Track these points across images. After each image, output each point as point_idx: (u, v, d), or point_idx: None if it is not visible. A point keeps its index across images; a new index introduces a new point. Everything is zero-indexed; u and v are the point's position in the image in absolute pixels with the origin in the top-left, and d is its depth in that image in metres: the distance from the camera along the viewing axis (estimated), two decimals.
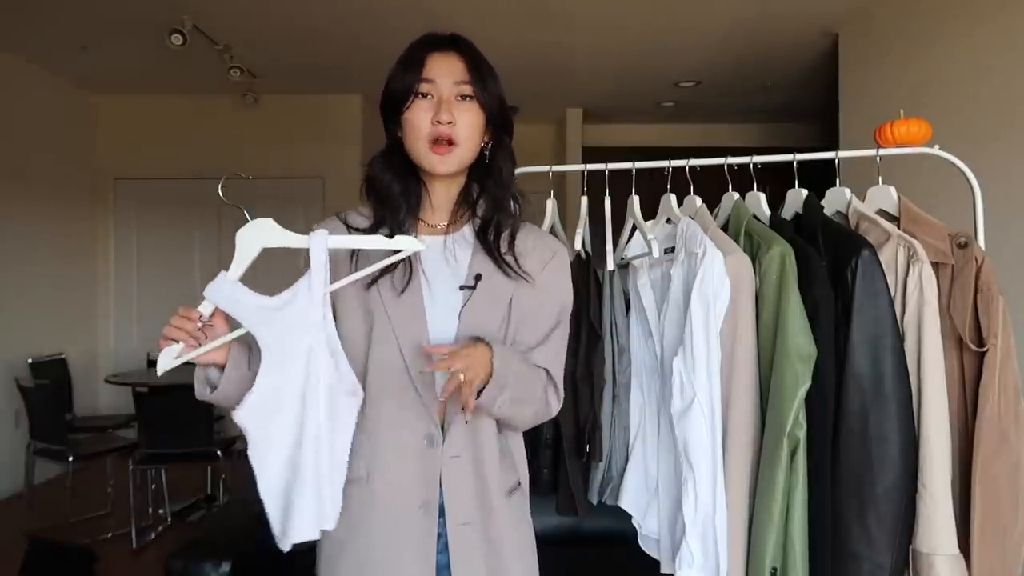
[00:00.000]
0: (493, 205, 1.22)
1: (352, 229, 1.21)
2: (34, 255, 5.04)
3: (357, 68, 5.21)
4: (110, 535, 3.83)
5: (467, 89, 1.16)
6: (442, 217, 1.24)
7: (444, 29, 1.22)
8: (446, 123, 1.14)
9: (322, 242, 1.10)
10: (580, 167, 1.87)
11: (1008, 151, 3.09)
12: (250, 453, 1.11)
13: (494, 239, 1.20)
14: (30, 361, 4.72)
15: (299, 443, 1.08)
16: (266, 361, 1.09)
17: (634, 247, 1.74)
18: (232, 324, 1.13)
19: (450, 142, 1.15)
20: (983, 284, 1.38)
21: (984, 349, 1.36)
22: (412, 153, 1.18)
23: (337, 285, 1.11)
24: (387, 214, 1.20)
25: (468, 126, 1.16)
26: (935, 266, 1.39)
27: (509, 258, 1.20)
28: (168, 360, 1.13)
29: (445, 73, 1.16)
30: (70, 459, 3.88)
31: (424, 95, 1.16)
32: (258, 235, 1.15)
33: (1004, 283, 1.40)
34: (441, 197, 1.24)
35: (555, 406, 1.24)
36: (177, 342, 1.12)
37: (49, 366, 4.82)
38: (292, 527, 1.07)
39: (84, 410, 5.13)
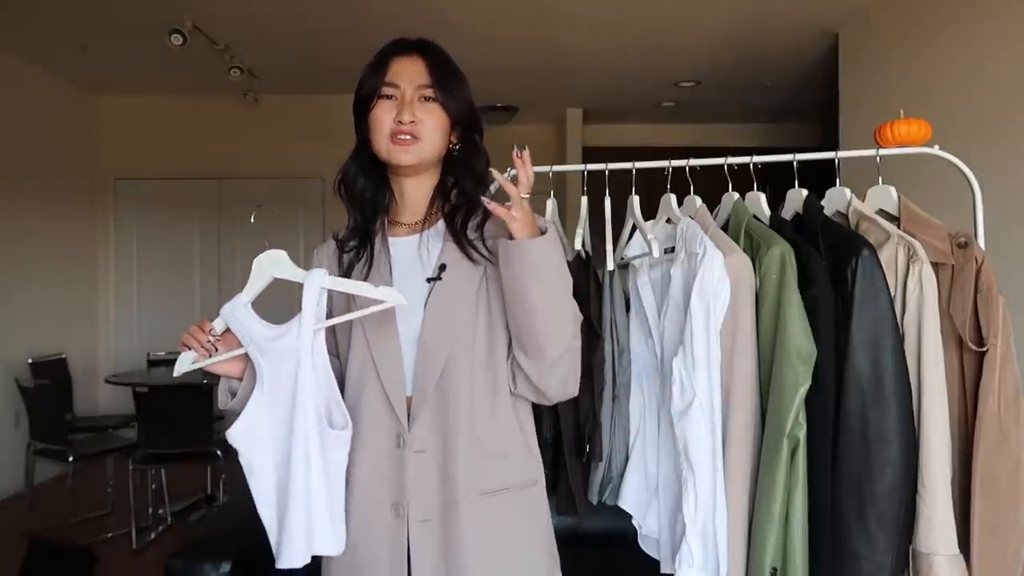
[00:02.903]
0: (462, 195, 1.26)
1: (337, 242, 1.28)
2: (34, 255, 5.04)
3: (357, 68, 5.15)
4: (110, 535, 3.83)
5: (428, 92, 1.21)
6: (415, 216, 1.28)
7: (435, 27, 1.27)
8: (407, 122, 1.19)
9: (316, 281, 1.16)
10: (580, 167, 1.87)
11: (1008, 151, 3.09)
12: (245, 472, 1.19)
13: (461, 225, 1.22)
14: (30, 361, 4.72)
15: (288, 471, 1.14)
16: (258, 388, 1.17)
17: (634, 247, 1.74)
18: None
19: (413, 137, 1.20)
20: (983, 284, 1.38)
21: (984, 349, 1.36)
22: (376, 149, 1.23)
23: (325, 324, 1.17)
24: (359, 217, 1.27)
25: (430, 125, 1.21)
26: (935, 266, 1.39)
27: (477, 242, 1.21)
28: (184, 364, 1.23)
29: (408, 77, 1.21)
30: (70, 459, 3.88)
31: (388, 96, 1.21)
32: (270, 265, 1.22)
33: (1004, 283, 1.40)
34: (413, 196, 1.27)
35: (578, 353, 1.20)
36: (190, 349, 1.20)
37: (49, 366, 4.82)
38: (283, 551, 1.14)
39: (84, 410, 5.13)
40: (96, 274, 5.85)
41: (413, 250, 1.23)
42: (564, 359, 1.16)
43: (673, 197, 1.73)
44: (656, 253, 1.63)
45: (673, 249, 1.61)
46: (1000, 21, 3.24)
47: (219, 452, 3.72)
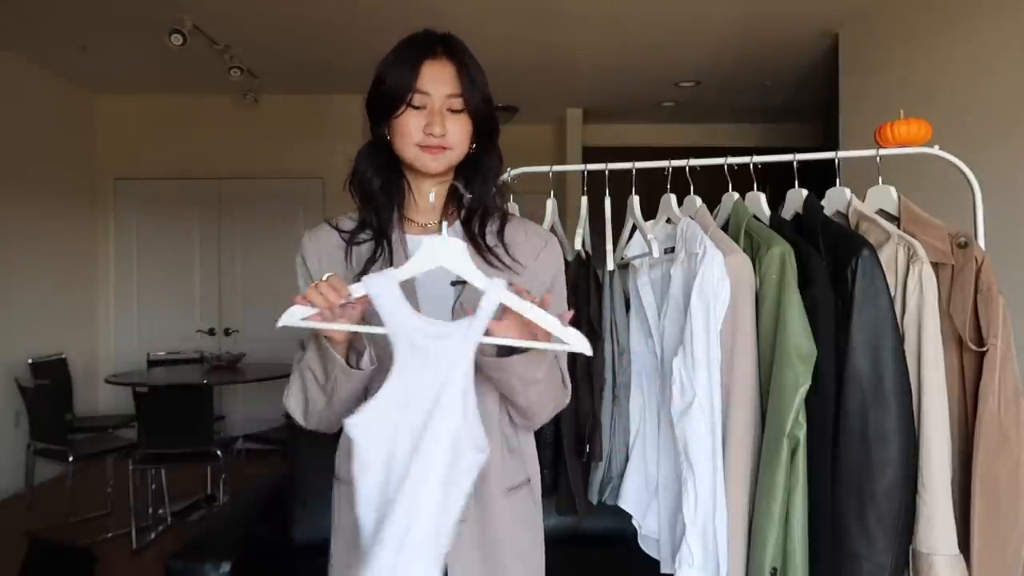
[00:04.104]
0: (477, 199, 1.23)
1: (341, 232, 1.23)
2: (34, 255, 5.04)
3: (357, 68, 5.16)
4: (110, 535, 3.83)
5: (458, 103, 1.18)
6: (430, 216, 1.25)
7: (436, 27, 1.23)
8: (439, 135, 1.16)
9: (498, 293, 1.01)
10: (580, 167, 1.87)
11: (1008, 151, 3.09)
12: (354, 468, 1.04)
13: (479, 230, 1.21)
14: (30, 361, 4.72)
15: (399, 489, 1.00)
16: (395, 381, 1.03)
17: (634, 247, 1.74)
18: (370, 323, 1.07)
19: (442, 148, 1.17)
20: (983, 284, 1.38)
21: (984, 349, 1.36)
22: (402, 155, 1.20)
23: (494, 341, 1.04)
24: (371, 213, 1.22)
25: (458, 134, 1.18)
26: (935, 266, 1.39)
27: (498, 249, 1.21)
28: (293, 318, 1.06)
29: (438, 85, 1.17)
30: (70, 459, 3.88)
31: (417, 106, 1.17)
32: (446, 253, 1.08)
33: (1004, 283, 1.40)
34: (429, 196, 1.24)
35: (568, 397, 1.24)
36: (313, 307, 1.05)
37: (49, 366, 4.82)
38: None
39: (84, 410, 5.13)
40: (96, 274, 5.85)
41: None
42: (547, 419, 1.24)
43: (673, 197, 1.73)
44: (656, 253, 1.63)
45: (673, 249, 1.61)
46: (1000, 21, 3.24)
47: (219, 452, 3.72)
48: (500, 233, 1.23)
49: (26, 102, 5.00)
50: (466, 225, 1.23)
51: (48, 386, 4.32)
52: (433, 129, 1.16)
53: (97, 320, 5.84)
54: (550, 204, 1.89)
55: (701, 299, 1.40)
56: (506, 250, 1.21)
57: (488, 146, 1.25)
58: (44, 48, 4.72)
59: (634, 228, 1.78)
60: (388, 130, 1.20)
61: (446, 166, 1.20)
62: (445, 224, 1.12)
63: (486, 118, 1.22)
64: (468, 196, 1.23)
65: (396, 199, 1.24)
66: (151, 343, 5.28)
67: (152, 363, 5.05)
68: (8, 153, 4.77)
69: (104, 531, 3.87)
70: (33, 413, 4.18)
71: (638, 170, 1.81)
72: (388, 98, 1.18)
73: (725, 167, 1.76)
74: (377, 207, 1.22)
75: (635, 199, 1.80)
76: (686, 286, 1.47)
